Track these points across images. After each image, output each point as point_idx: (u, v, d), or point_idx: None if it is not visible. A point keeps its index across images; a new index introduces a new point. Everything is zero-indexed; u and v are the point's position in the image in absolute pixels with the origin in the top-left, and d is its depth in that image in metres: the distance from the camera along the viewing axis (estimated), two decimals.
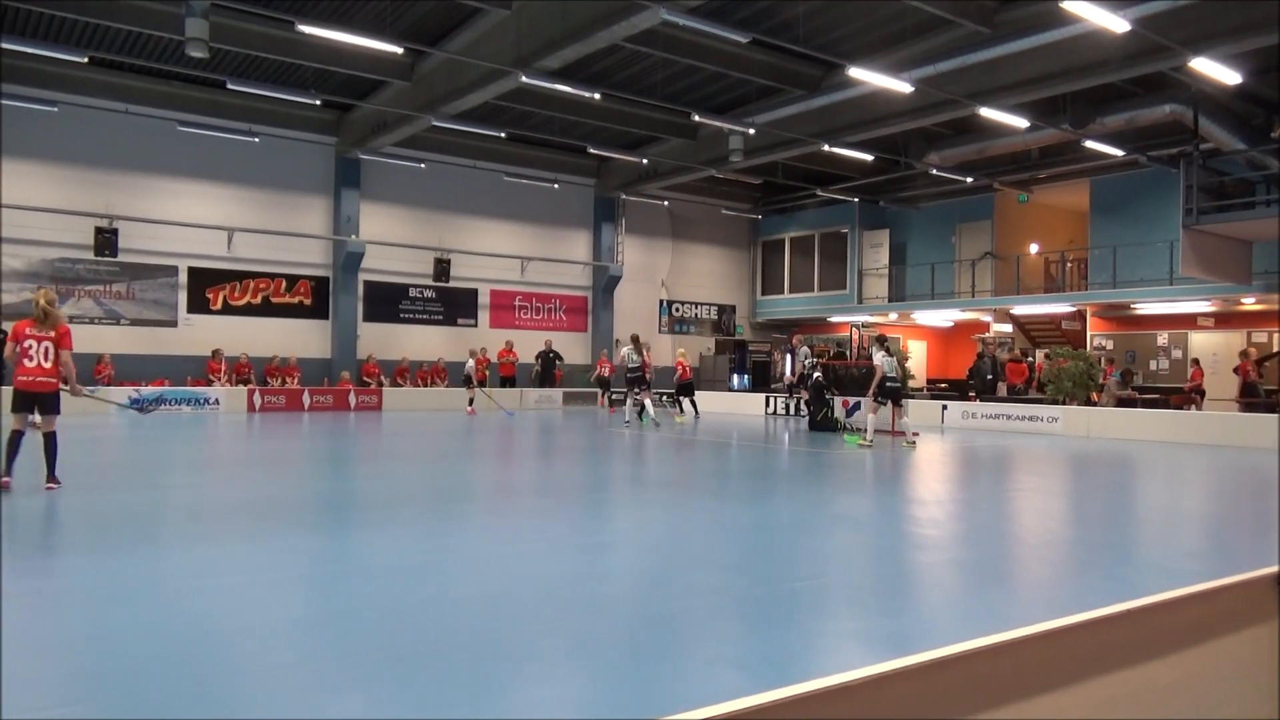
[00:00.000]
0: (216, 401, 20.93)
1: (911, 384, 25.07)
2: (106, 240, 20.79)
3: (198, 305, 22.38)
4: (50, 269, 20.40)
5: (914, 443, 14.30)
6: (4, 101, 18.89)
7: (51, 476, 8.01)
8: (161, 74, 20.82)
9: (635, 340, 18.96)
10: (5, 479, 7.75)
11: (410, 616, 4.39)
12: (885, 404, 14.68)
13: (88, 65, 19.49)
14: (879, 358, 14.48)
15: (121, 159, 21.28)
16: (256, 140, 22.29)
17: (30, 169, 20.10)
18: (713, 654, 3.96)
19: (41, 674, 3.59)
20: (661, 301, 30.59)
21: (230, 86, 19.32)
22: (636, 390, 18.60)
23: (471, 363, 22.77)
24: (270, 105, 22.25)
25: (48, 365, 7.94)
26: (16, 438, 7.91)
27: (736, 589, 5.21)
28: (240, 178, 22.78)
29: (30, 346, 7.90)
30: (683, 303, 31.04)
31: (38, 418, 8.05)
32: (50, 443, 8.01)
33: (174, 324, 22.11)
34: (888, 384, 14.35)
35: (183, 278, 22.23)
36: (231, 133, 21.80)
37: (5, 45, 16.57)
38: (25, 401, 7.96)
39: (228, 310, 22.80)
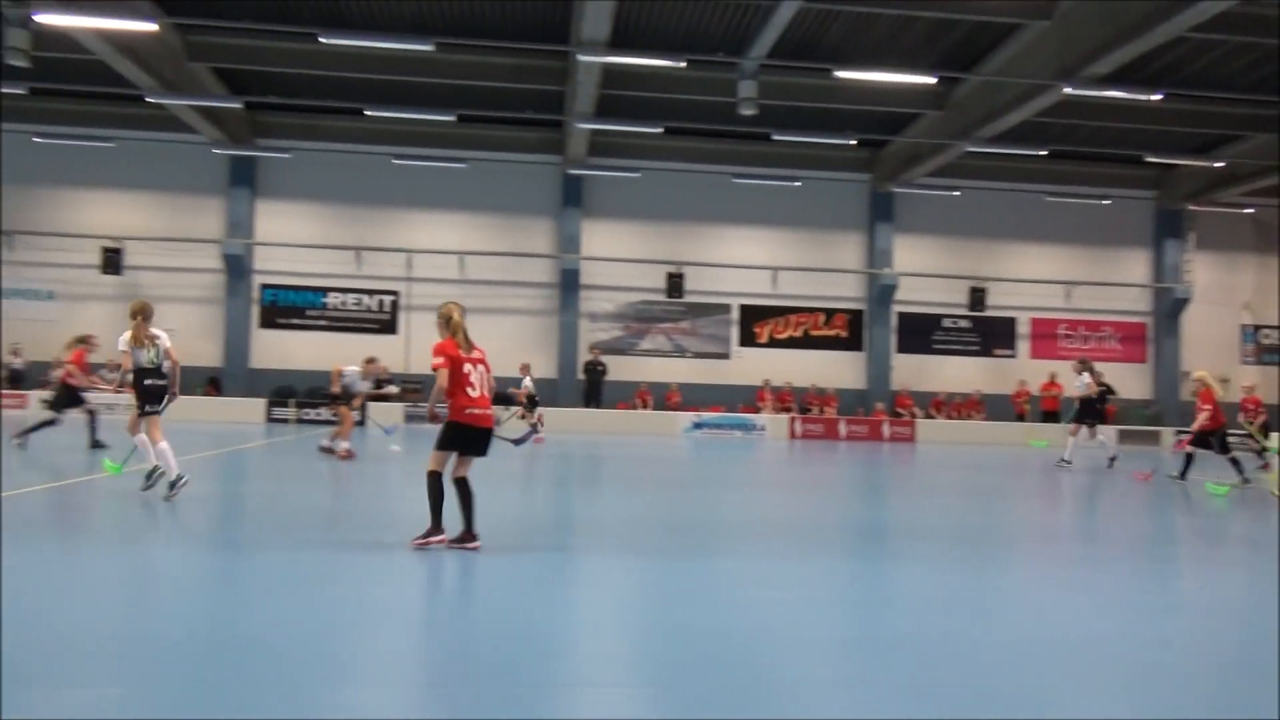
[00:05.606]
0: (763, 428, 22.80)
1: None
2: (675, 283, 24.03)
3: (746, 339, 24.64)
4: (633, 310, 24.16)
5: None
6: (600, 173, 22.91)
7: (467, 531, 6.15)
8: (717, 134, 23.37)
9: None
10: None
11: (950, 652, 4.32)
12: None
13: (663, 135, 22.60)
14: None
15: (686, 212, 24.37)
16: (798, 184, 23.86)
17: (614, 226, 24.05)
18: None
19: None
20: (1243, 327, 26.01)
21: (774, 138, 20.98)
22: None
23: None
24: (809, 150, 23.66)
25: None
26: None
27: None
28: (783, 220, 24.62)
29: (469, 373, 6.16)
30: (1274, 328, 26.03)
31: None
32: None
33: (727, 356, 24.61)
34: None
35: (735, 314, 24.67)
36: (776, 179, 23.68)
37: (599, 126, 20.00)
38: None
39: (772, 343, 24.72)
